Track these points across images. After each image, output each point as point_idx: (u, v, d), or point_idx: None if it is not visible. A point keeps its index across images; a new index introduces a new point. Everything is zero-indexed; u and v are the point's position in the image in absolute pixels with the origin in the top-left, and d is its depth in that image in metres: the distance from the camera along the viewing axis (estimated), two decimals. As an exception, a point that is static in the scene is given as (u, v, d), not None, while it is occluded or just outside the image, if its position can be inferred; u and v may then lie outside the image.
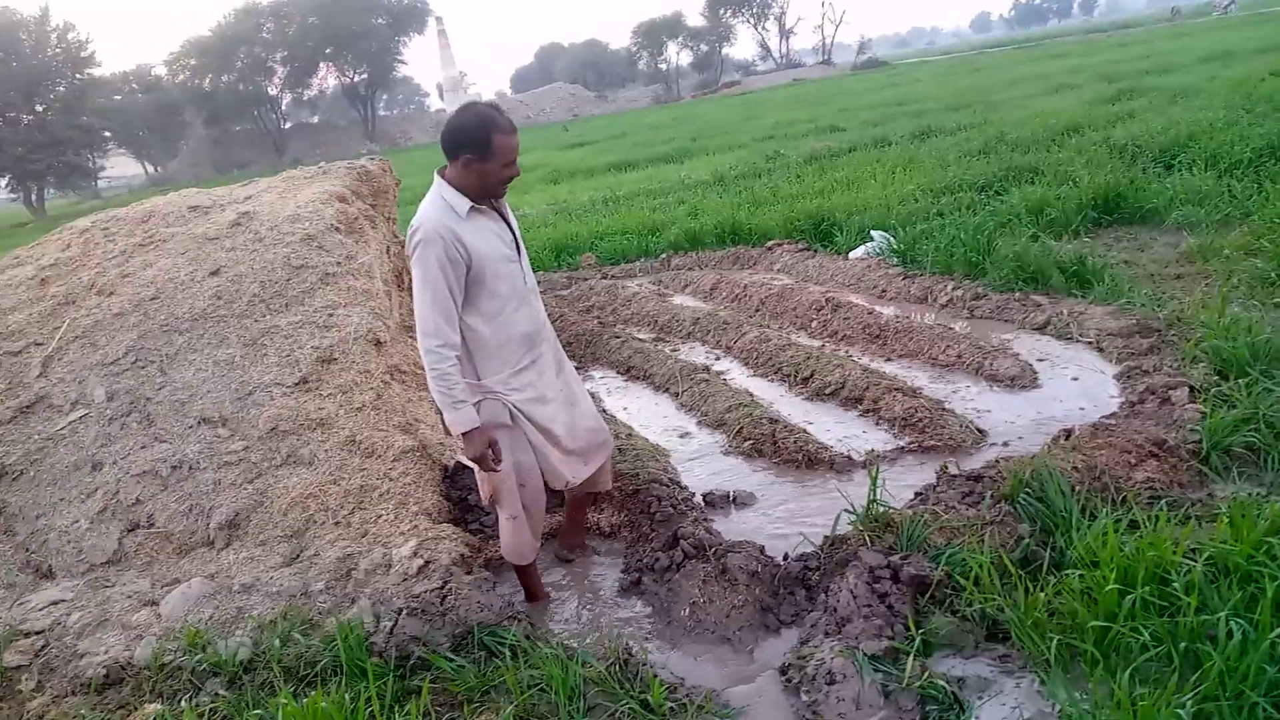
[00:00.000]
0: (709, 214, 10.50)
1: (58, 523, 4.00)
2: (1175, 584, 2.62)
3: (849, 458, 4.31)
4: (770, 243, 9.17)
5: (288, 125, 61.53)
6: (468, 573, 3.44)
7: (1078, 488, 3.40)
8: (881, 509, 3.45)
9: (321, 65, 59.18)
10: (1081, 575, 2.80)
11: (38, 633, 3.54)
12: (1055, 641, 2.63)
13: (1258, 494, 3.33)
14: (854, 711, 2.59)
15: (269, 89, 58.17)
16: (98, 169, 50.32)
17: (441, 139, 3.01)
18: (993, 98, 19.95)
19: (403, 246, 6.91)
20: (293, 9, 56.61)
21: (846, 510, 3.48)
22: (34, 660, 3.43)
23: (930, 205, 8.65)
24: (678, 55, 73.17)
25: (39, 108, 45.35)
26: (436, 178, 3.05)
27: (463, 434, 2.99)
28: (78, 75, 46.84)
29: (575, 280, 9.28)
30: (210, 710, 2.97)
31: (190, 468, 4.00)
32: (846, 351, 5.82)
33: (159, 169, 56.82)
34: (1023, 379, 4.93)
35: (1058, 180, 8.73)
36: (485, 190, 3.03)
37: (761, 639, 3.11)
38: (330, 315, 4.59)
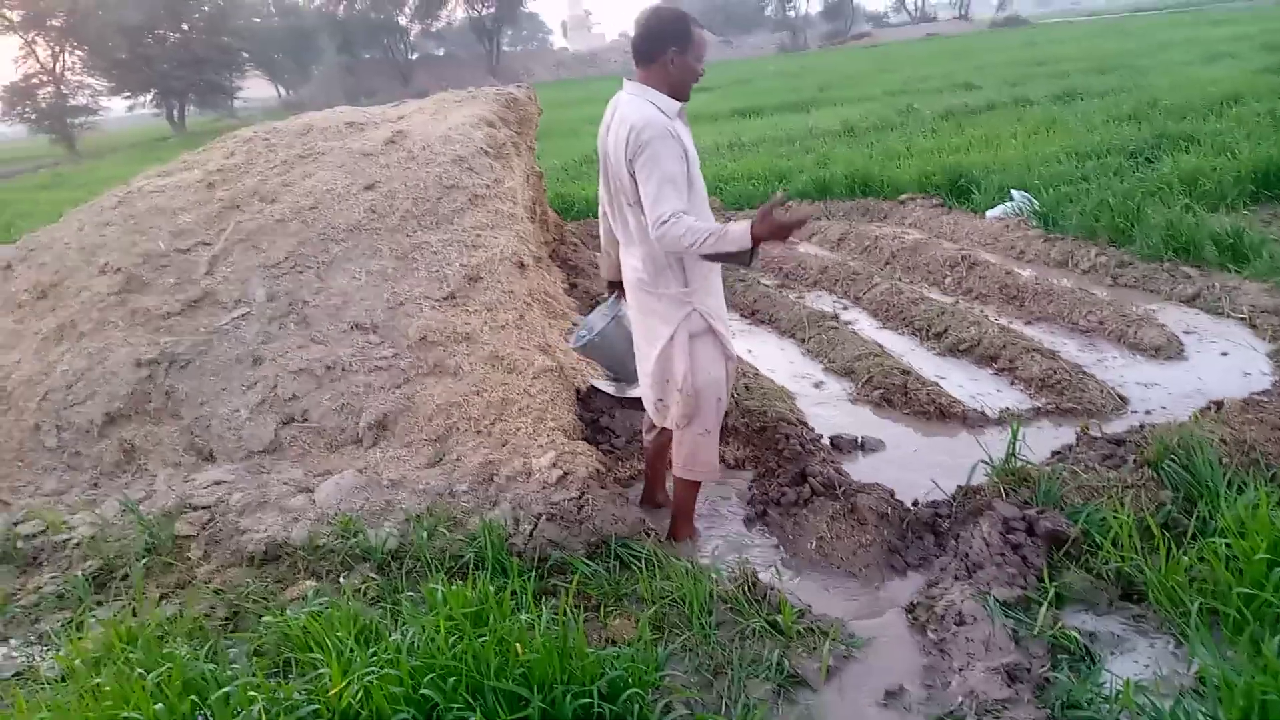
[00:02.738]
0: (838, 164, 10.32)
1: (220, 410, 4.30)
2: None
3: (982, 413, 4.27)
4: (903, 196, 9.00)
5: (415, 56, 62.42)
6: (602, 487, 3.58)
7: (1225, 460, 3.31)
8: (1018, 463, 3.43)
9: (451, -2, 59.70)
10: (1228, 544, 2.74)
11: (204, 507, 3.84)
12: (1197, 604, 2.60)
13: None
14: (983, 652, 2.62)
15: (399, 18, 59.00)
16: (235, 89, 52.17)
17: (637, 42, 2.96)
18: (1141, 62, 18.85)
19: (540, 178, 7.04)
20: (426, -60, 57.17)
21: (983, 462, 3.47)
22: (200, 532, 3.72)
23: (1075, 169, 8.31)
24: (807, 2, 71.09)
25: (184, 27, 47.17)
26: (632, 85, 3.00)
27: (752, 237, 2.76)
28: (220, -3, 48.62)
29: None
30: (362, 590, 3.19)
31: (343, 369, 4.24)
32: (981, 310, 5.71)
33: (291, 93, 58.62)
34: (1168, 350, 4.76)
35: (1215, 150, 8.26)
36: (685, 87, 3.00)
37: (888, 578, 3.15)
38: (478, 235, 4.75)
